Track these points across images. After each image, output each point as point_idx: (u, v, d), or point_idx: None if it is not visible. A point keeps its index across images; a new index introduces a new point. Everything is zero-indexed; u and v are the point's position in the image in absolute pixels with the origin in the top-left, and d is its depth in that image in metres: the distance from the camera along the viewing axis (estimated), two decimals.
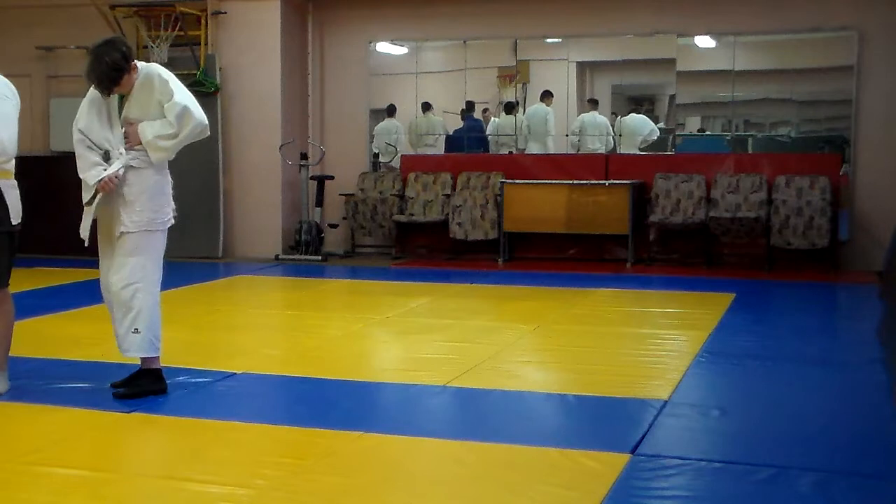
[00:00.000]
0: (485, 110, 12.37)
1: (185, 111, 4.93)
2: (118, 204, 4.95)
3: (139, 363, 5.13)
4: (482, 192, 11.08)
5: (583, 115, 11.96)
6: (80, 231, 5.03)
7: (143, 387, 5.05)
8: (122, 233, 4.94)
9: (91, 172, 4.94)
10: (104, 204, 4.97)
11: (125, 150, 4.94)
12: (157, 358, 5.11)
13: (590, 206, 10.58)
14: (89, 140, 4.98)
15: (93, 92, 5.02)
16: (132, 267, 4.94)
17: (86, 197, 5.00)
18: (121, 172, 4.91)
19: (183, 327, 7.14)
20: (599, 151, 11.60)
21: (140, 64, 5.00)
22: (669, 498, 3.71)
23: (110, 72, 4.83)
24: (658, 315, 7.86)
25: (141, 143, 4.93)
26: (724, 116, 11.42)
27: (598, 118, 11.98)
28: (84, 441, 4.44)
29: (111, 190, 4.91)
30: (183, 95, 4.97)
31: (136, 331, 4.96)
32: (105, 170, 4.92)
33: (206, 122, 5.05)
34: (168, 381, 5.19)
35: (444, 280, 9.61)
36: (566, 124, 11.88)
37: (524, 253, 11.08)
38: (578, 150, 11.69)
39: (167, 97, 4.94)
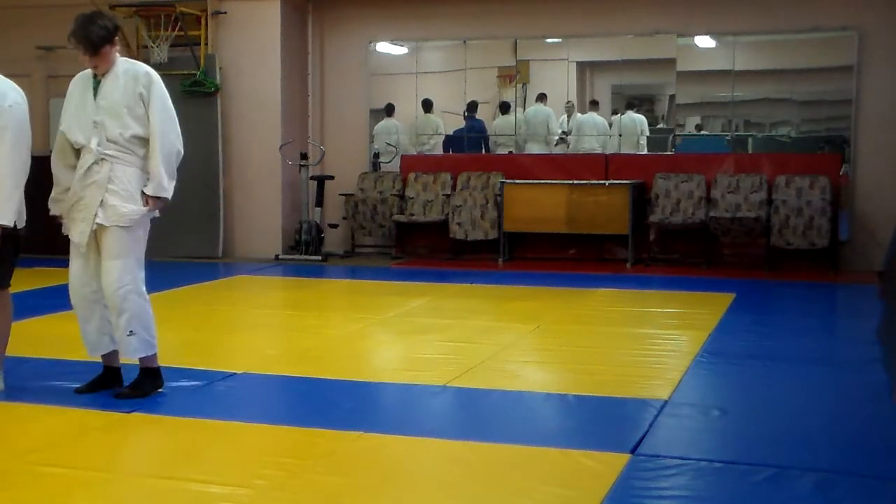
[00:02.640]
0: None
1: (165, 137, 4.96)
2: (95, 198, 4.91)
3: (137, 364, 5.13)
4: (482, 192, 11.08)
5: (580, 115, 11.97)
6: (73, 236, 5.02)
7: (145, 388, 5.06)
8: (98, 224, 4.90)
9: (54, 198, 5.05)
10: (80, 200, 4.95)
11: (101, 143, 4.90)
12: (155, 355, 5.10)
13: (590, 206, 10.58)
14: (68, 140, 4.98)
15: (70, 88, 5.05)
16: (120, 269, 4.92)
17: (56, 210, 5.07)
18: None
19: (183, 327, 7.14)
20: (597, 151, 11.61)
21: (127, 59, 5.06)
22: (669, 498, 3.71)
23: (99, 30, 4.87)
24: (658, 315, 7.86)
25: (157, 203, 4.99)
26: (724, 116, 11.42)
27: (595, 118, 11.98)
28: (84, 441, 4.43)
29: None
30: (165, 116, 4.96)
31: (132, 333, 4.96)
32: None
33: (180, 146, 5.06)
34: (168, 381, 5.19)
35: (443, 280, 9.61)
36: (567, 124, 11.90)
37: (524, 253, 11.07)
38: (568, 149, 11.75)
39: (154, 107, 4.93)
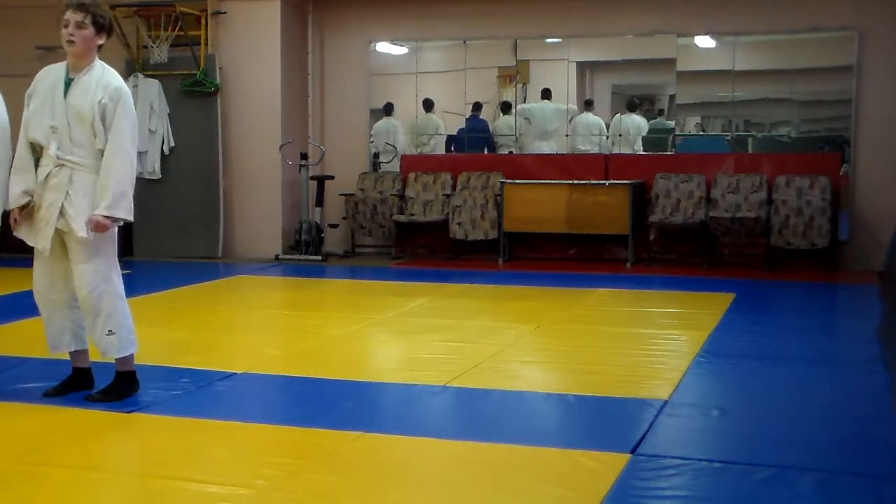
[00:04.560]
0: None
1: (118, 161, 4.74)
2: (56, 203, 4.76)
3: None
4: (482, 192, 11.08)
5: (576, 116, 11.96)
6: (36, 243, 4.87)
7: (120, 392, 4.94)
8: (64, 232, 4.77)
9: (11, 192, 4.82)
10: (41, 205, 4.80)
11: (61, 148, 4.75)
12: (132, 357, 5.00)
13: (590, 206, 10.58)
14: (30, 137, 4.81)
15: (35, 82, 4.89)
16: (91, 273, 4.79)
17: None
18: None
19: (183, 327, 7.15)
20: (592, 152, 11.61)
21: (107, 67, 4.89)
22: (669, 498, 3.71)
23: (98, 9, 4.80)
24: (658, 315, 7.85)
25: (108, 223, 4.76)
26: (724, 116, 11.41)
27: (590, 118, 11.97)
28: (84, 441, 4.43)
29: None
30: (132, 134, 4.78)
31: (111, 332, 4.86)
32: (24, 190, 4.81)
33: (132, 170, 4.83)
34: (168, 381, 5.19)
35: (444, 280, 9.61)
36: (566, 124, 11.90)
37: (524, 253, 11.08)
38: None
39: (119, 122, 4.73)
